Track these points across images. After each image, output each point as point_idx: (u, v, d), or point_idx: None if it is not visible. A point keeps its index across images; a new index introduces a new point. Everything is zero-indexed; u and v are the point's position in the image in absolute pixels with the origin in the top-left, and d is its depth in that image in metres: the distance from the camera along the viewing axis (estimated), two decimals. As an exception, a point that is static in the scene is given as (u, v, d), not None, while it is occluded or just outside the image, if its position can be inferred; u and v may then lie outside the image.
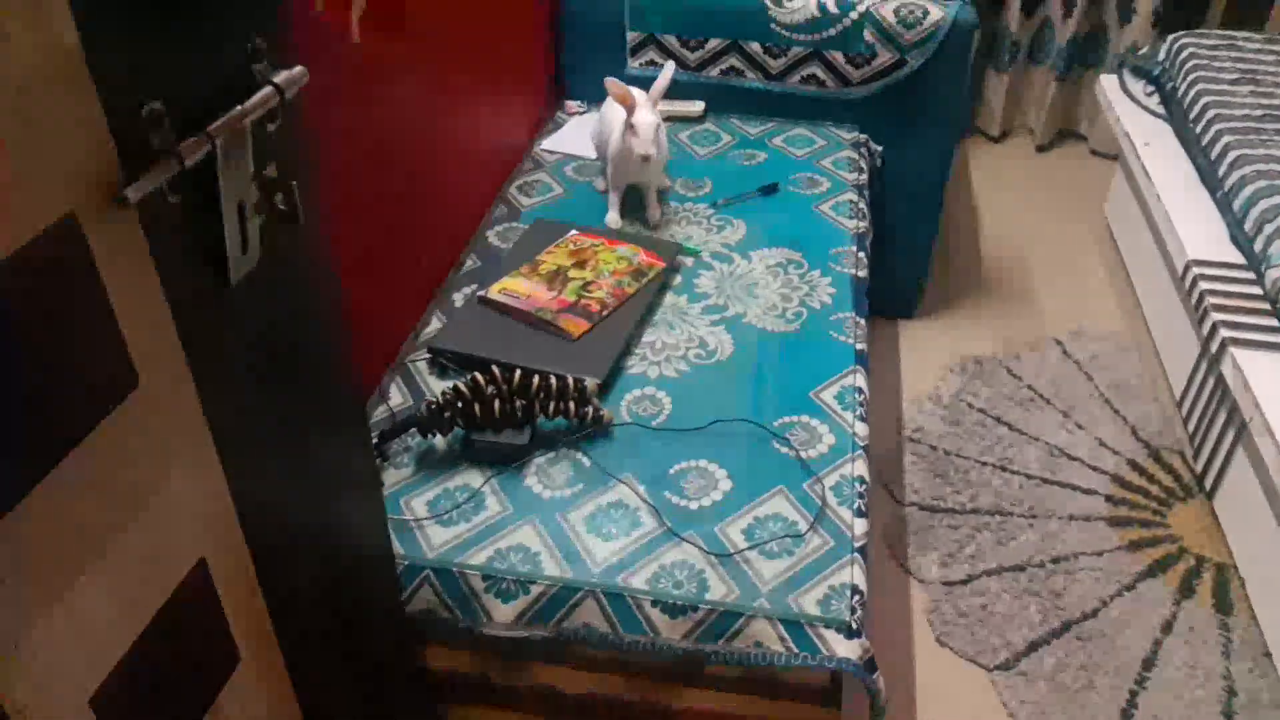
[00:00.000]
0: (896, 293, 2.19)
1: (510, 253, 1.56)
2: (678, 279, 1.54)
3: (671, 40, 1.94)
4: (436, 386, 1.33)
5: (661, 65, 1.89)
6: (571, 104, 2.04)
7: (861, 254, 1.62)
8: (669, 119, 1.97)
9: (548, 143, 1.90)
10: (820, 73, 1.92)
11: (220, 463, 0.70)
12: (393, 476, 1.19)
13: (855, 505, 1.16)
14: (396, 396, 1.31)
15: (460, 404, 1.19)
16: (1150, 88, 2.30)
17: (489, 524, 1.14)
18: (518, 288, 1.43)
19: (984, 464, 1.84)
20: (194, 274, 0.66)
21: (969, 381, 2.03)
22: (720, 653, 1.04)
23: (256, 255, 0.70)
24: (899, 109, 1.94)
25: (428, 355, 1.36)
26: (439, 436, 1.21)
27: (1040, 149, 2.91)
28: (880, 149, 1.97)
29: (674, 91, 1.94)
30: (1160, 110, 2.23)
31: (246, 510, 0.73)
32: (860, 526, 1.14)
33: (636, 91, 1.59)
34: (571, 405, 1.21)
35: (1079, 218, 2.59)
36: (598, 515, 1.14)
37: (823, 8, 1.86)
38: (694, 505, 1.16)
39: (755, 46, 1.92)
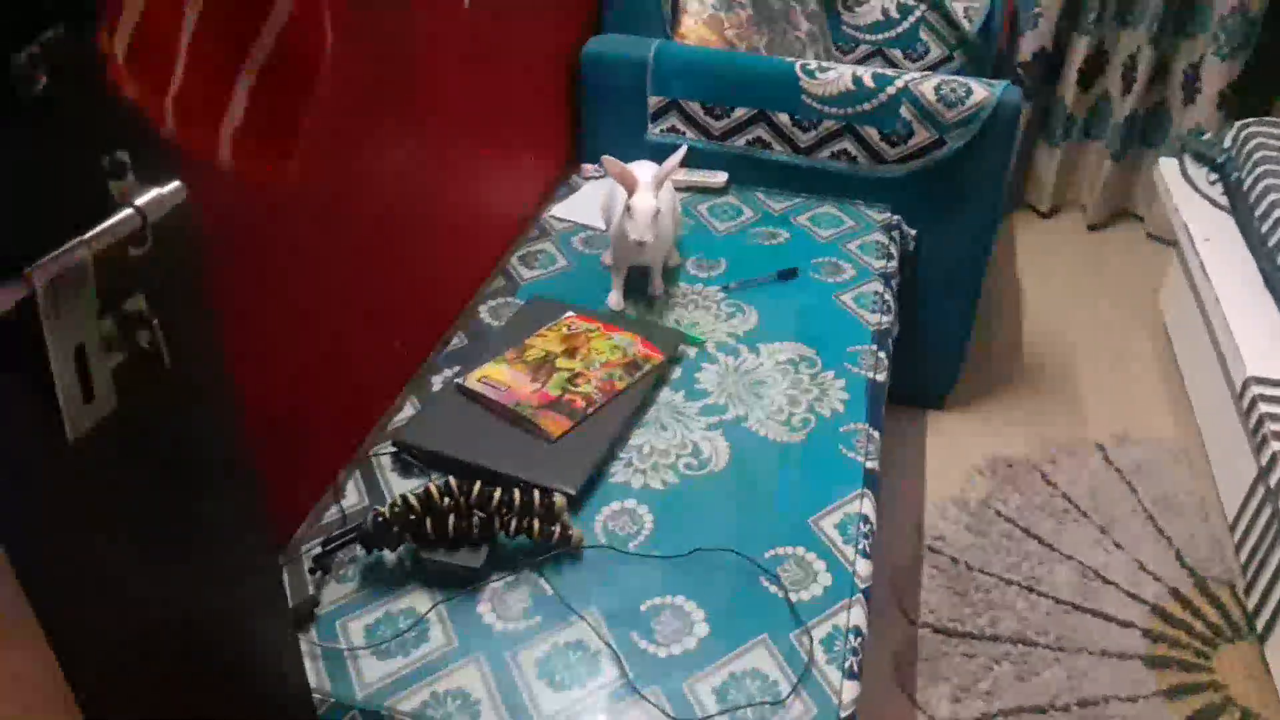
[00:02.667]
0: (927, 383, 2.05)
1: (500, 333, 1.45)
2: (677, 371, 1.41)
3: (695, 107, 1.83)
4: (399, 486, 1.21)
5: (683, 134, 1.79)
6: (588, 168, 1.93)
7: (882, 354, 1.48)
8: (688, 189, 1.85)
9: (558, 209, 1.80)
10: (852, 149, 1.80)
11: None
12: (333, 593, 1.08)
13: (846, 664, 1.02)
14: (353, 496, 1.20)
15: (411, 517, 1.07)
16: (1214, 176, 2.14)
17: (429, 660, 1.01)
18: (499, 376, 1.32)
19: (1009, 583, 1.68)
20: (23, 429, 0.55)
21: (999, 486, 1.87)
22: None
23: (111, 402, 0.59)
24: (936, 191, 1.81)
25: (393, 449, 1.25)
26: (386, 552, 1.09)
27: (1092, 228, 2.75)
28: (914, 232, 1.83)
29: (696, 161, 1.83)
30: (1224, 201, 2.07)
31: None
32: (850, 691, 1.00)
33: (642, 170, 1.47)
34: (536, 523, 1.09)
35: (1131, 307, 2.42)
36: (553, 657, 1.01)
37: (858, 81, 1.74)
38: (663, 653, 1.02)
39: (784, 118, 1.80)
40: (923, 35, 2.33)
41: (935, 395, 2.08)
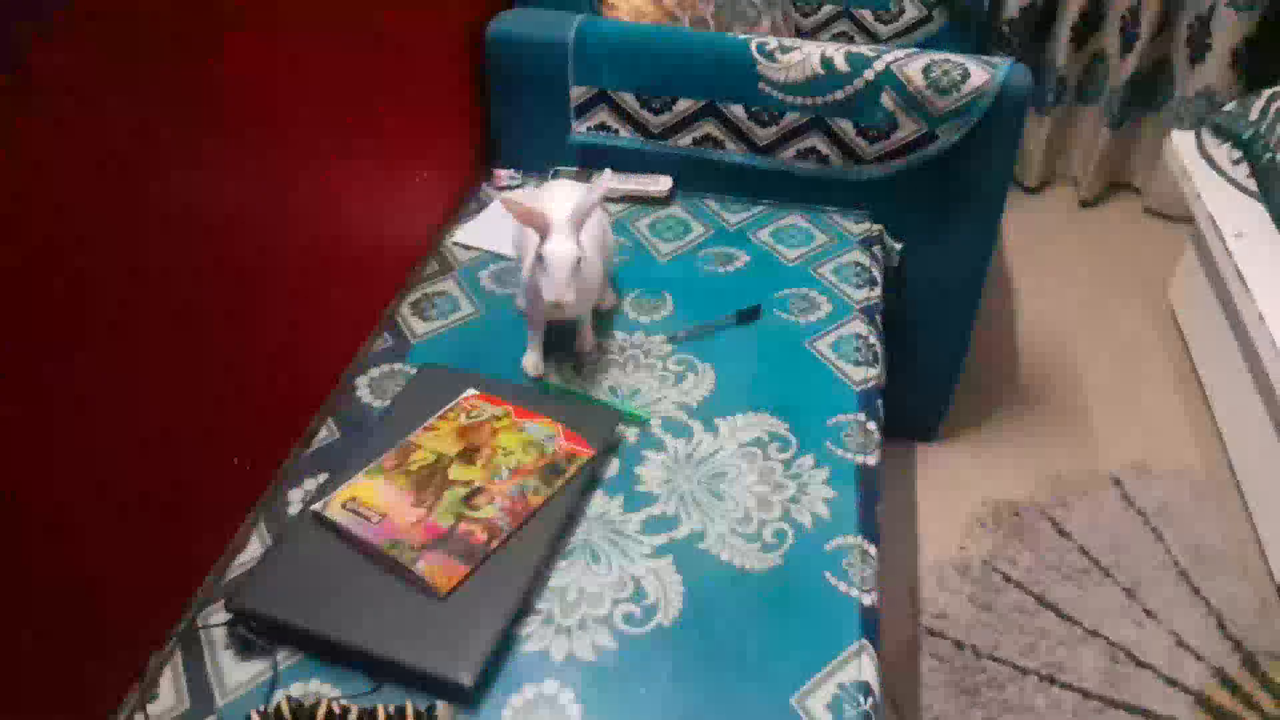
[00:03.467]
0: (917, 413, 1.75)
1: (379, 421, 1.11)
2: (613, 466, 1.09)
3: (629, 99, 1.48)
4: (234, 674, 0.88)
5: (615, 131, 1.46)
6: (502, 174, 1.57)
7: (872, 425, 1.17)
8: (624, 200, 1.51)
9: (462, 233, 1.44)
10: (822, 146, 1.46)
11: None
12: None
13: None
14: (168, 694, 0.87)
15: (230, 758, 0.74)
16: (1237, 154, 1.83)
17: None
18: (371, 498, 0.99)
19: (1025, 672, 1.40)
20: None
21: (1005, 541, 1.58)
22: None
23: None
24: (925, 195, 1.48)
25: (227, 619, 0.91)
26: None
27: (1085, 204, 2.45)
28: (899, 246, 1.51)
29: (634, 165, 1.50)
30: (1251, 185, 1.77)
31: None
32: None
33: (558, 200, 1.13)
34: (412, 753, 0.77)
35: (1136, 300, 2.13)
36: None
37: (828, 63, 1.40)
38: None
39: (738, 110, 1.45)
40: (896, -8, 1.99)
41: (927, 426, 1.78)
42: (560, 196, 1.16)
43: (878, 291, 1.38)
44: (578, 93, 1.49)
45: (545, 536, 0.98)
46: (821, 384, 1.21)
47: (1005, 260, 2.26)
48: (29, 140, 0.72)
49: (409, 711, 0.78)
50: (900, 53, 1.40)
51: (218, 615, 0.92)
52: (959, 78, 1.38)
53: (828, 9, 2.02)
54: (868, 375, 1.23)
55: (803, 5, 2.03)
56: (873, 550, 1.02)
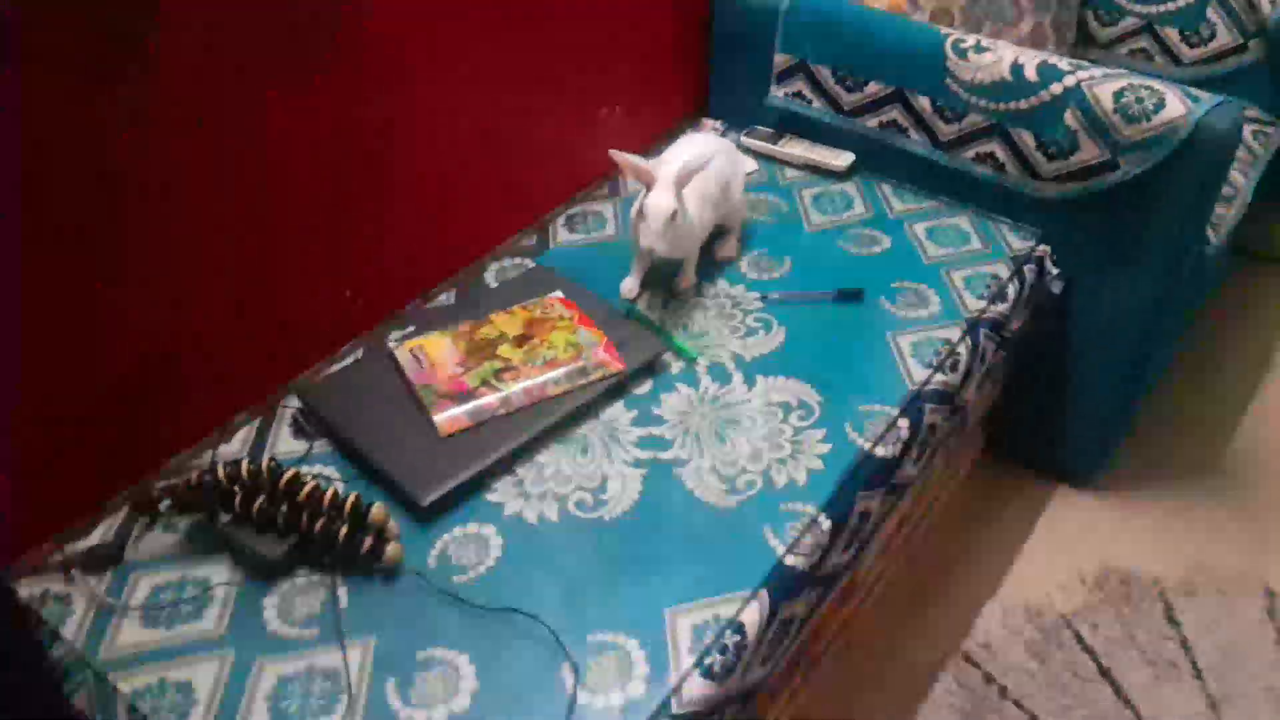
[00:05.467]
0: (1069, 455, 1.66)
1: (485, 298, 1.33)
2: (646, 384, 1.22)
3: (825, 73, 1.54)
4: (285, 446, 1.15)
5: (810, 102, 1.53)
6: (708, 123, 1.70)
7: (904, 423, 1.18)
8: (804, 167, 1.59)
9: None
10: (1000, 153, 1.43)
11: None
12: (153, 544, 1.04)
13: (586, 807, 0.83)
14: (238, 443, 1.16)
15: (230, 487, 1.00)
16: None
17: (185, 640, 0.95)
18: (433, 350, 1.20)
19: (1049, 732, 1.34)
20: None
21: (1098, 605, 1.49)
22: None
23: None
24: (1102, 226, 1.41)
25: (297, 405, 1.18)
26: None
27: None
28: (1056, 272, 1.45)
29: (821, 136, 1.57)
30: None
31: None
32: (569, 842, 0.82)
33: (674, 156, 1.26)
34: (344, 528, 0.98)
35: None
36: (293, 683, 0.92)
37: (1017, 70, 1.37)
38: (405, 713, 0.89)
39: (924, 102, 1.46)
40: (1210, 14, 1.80)
41: (1078, 471, 1.68)
42: (685, 150, 1.29)
43: (1003, 308, 1.35)
44: (780, 60, 1.57)
45: (545, 423, 1.14)
46: (877, 373, 1.24)
47: (1243, 333, 1.99)
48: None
49: (350, 498, 0.99)
50: (1098, 71, 1.34)
51: (293, 401, 1.19)
52: (1152, 107, 1.29)
53: (1130, 21, 1.88)
54: (928, 378, 1.23)
55: (1103, 12, 1.91)
56: (826, 525, 1.07)
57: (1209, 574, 1.53)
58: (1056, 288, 1.46)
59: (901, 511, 1.38)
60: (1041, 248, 1.45)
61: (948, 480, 1.59)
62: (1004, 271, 1.39)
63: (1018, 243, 1.44)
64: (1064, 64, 1.35)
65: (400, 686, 0.91)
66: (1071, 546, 1.58)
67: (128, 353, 1.05)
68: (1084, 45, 1.92)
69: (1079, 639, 1.44)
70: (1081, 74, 1.33)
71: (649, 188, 1.22)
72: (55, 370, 0.99)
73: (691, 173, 1.22)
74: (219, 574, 1.01)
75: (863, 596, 1.42)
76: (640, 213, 1.23)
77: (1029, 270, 1.41)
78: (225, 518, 1.01)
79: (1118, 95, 1.31)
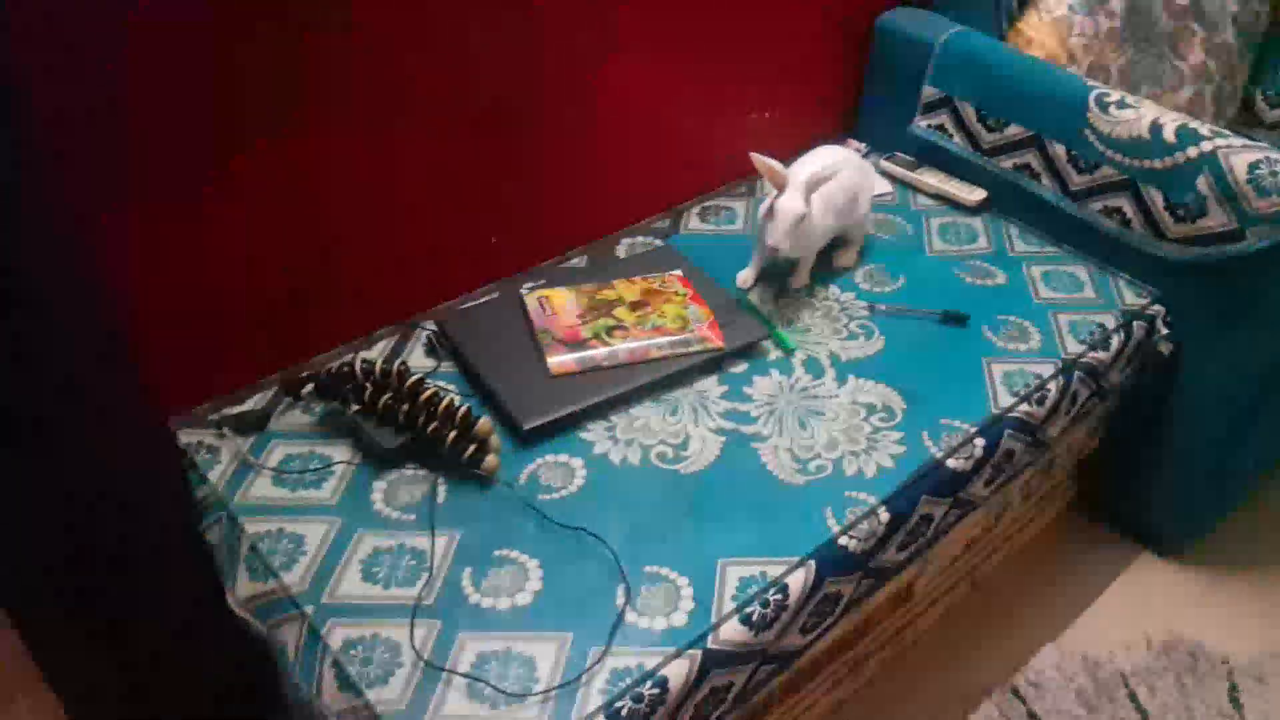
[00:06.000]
0: (1156, 517, 1.66)
1: (613, 266, 1.45)
2: (742, 365, 1.31)
3: (969, 111, 1.60)
4: (414, 361, 1.30)
5: (951, 136, 1.60)
6: (852, 142, 1.79)
7: (980, 441, 1.24)
8: (937, 198, 1.65)
9: (782, 174, 1.70)
10: (1128, 209, 1.46)
11: None
12: (293, 420, 1.21)
13: (614, 706, 0.93)
14: (377, 350, 1.31)
15: (361, 382, 1.15)
16: None
17: (305, 503, 1.10)
18: (557, 301, 1.33)
19: (1082, 775, 1.35)
20: None
21: (1159, 671, 1.49)
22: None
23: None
24: (1220, 292, 1.42)
25: (433, 328, 1.33)
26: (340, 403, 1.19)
27: None
28: (1167, 332, 1.46)
29: (957, 170, 1.64)
30: None
31: None
32: (593, 729, 0.92)
33: (807, 164, 1.35)
34: (452, 433, 1.12)
35: None
36: (388, 554, 1.05)
37: (1156, 130, 1.40)
38: (474, 599, 1.01)
39: (1060, 149, 1.51)
40: (1386, 109, 1.77)
41: (1164, 537, 1.68)
42: (817, 160, 1.38)
43: (1103, 355, 1.38)
44: (929, 92, 1.64)
45: (645, 380, 1.25)
46: (965, 393, 1.29)
47: None
48: None
49: (462, 409, 1.12)
50: (1238, 141, 1.36)
51: (429, 325, 1.34)
52: (1286, 182, 1.30)
53: (1304, 106, 1.87)
54: (1009, 405, 1.28)
55: (1272, 94, 1.90)
56: (884, 518, 1.14)
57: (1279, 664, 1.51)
58: (1166, 349, 1.48)
59: (970, 533, 1.42)
60: (1156, 307, 1.47)
61: (1029, 520, 1.62)
62: (1111, 322, 1.42)
63: (1132, 298, 1.47)
64: (1204, 129, 1.38)
65: (475, 575, 1.04)
66: (1144, 609, 1.58)
67: (296, 256, 1.21)
68: (1249, 124, 1.91)
69: (1133, 698, 1.45)
70: (1220, 141, 1.36)
71: (780, 190, 1.31)
72: (236, 266, 1.17)
73: (821, 180, 1.31)
74: (341, 454, 1.16)
75: (922, 610, 1.47)
76: (770, 212, 1.32)
77: (1138, 326, 1.44)
78: (355, 407, 1.16)
79: (1252, 166, 1.33)
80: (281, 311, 1.24)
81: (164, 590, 1.07)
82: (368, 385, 1.14)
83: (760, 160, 1.30)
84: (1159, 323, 1.46)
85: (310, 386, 1.19)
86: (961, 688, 1.46)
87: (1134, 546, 1.69)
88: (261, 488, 1.12)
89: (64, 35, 0.93)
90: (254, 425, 1.18)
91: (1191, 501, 1.62)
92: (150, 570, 1.06)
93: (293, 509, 1.10)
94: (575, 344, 1.27)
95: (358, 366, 1.14)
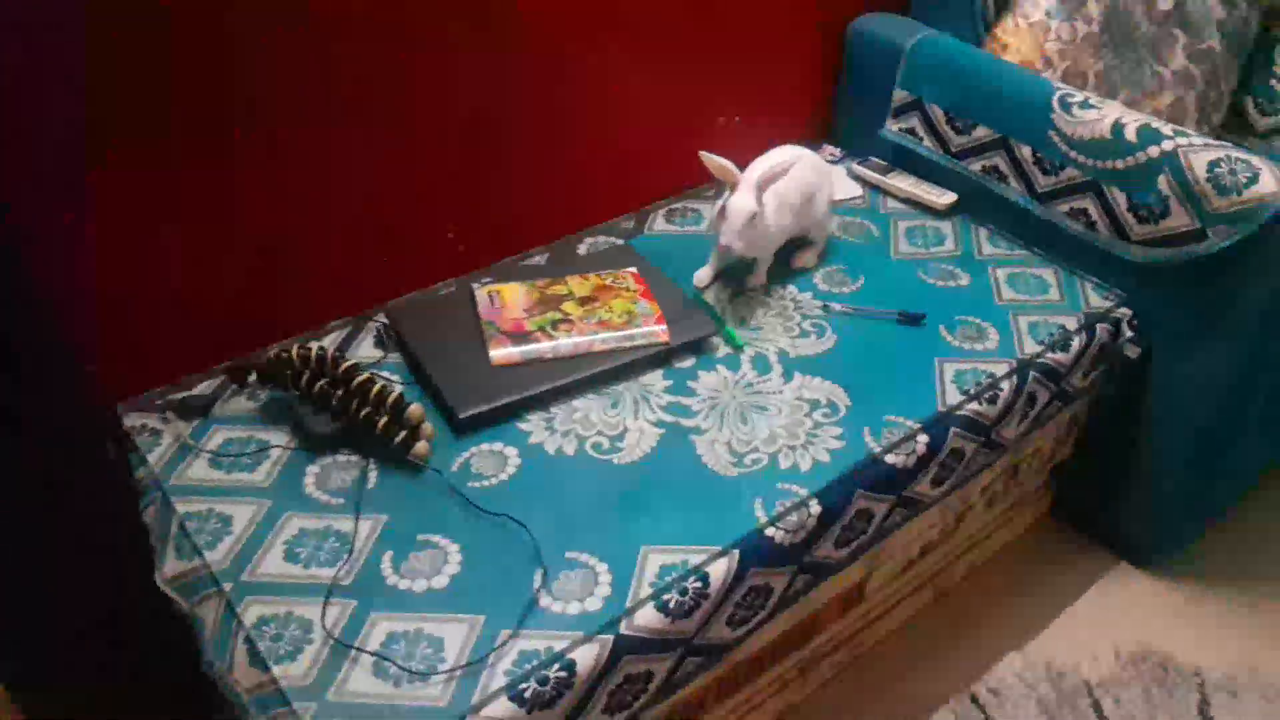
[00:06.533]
0: (1131, 527, 1.63)
1: (568, 265, 1.46)
2: (690, 361, 1.31)
3: (938, 113, 1.59)
4: (363, 351, 1.32)
5: (920, 140, 1.60)
6: (827, 148, 1.79)
7: (924, 438, 1.22)
8: (908, 202, 1.64)
9: (753, 178, 1.70)
10: (1093, 210, 1.44)
11: None
12: (236, 406, 1.22)
13: (519, 689, 0.93)
14: (326, 341, 1.33)
15: (299, 369, 1.17)
16: None
17: (236, 485, 1.12)
18: (507, 295, 1.34)
19: (1038, 786, 1.32)
20: None
21: (1126, 682, 1.45)
22: None
23: None
24: (1187, 295, 1.40)
25: (383, 321, 1.35)
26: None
27: None
28: (1133, 335, 1.43)
29: (929, 174, 1.63)
30: None
31: None
32: (500, 712, 0.91)
33: (762, 163, 1.35)
34: (384, 419, 1.13)
35: None
36: (312, 535, 1.06)
37: (1118, 130, 1.38)
38: (392, 579, 1.02)
39: (1026, 151, 1.49)
40: (1378, 115, 1.73)
41: (1139, 548, 1.64)
42: (771, 158, 1.38)
43: (1062, 357, 1.36)
44: (899, 95, 1.64)
45: (587, 373, 1.25)
46: (912, 391, 1.28)
47: None
48: None
49: (393, 393, 1.13)
50: (1199, 140, 1.34)
51: (380, 318, 1.35)
52: (1245, 180, 1.28)
53: (1293, 116, 1.83)
54: (959, 404, 1.26)
55: (1264, 101, 1.86)
56: (816, 509, 1.13)
57: (1257, 678, 1.46)
58: (1133, 353, 1.45)
59: (926, 535, 1.40)
60: (1123, 310, 1.44)
61: (997, 527, 1.59)
62: (1073, 324, 1.40)
63: (1097, 300, 1.45)
64: (1166, 129, 1.36)
65: (395, 558, 1.04)
66: (1115, 620, 1.54)
67: (248, 247, 1.24)
68: (1240, 131, 1.87)
69: (1097, 708, 1.41)
70: (1180, 140, 1.34)
71: (733, 189, 1.32)
72: (187, 255, 1.19)
73: (773, 178, 1.31)
74: (279, 440, 1.18)
75: (878, 615, 1.45)
76: (722, 211, 1.32)
77: (1102, 329, 1.41)
78: (293, 393, 1.17)
79: (1212, 165, 1.30)
80: (236, 302, 1.26)
81: (95, 569, 1.10)
82: (305, 372, 1.16)
83: (710, 159, 1.31)
84: (1124, 326, 1.44)
85: (254, 375, 1.21)
86: (920, 695, 1.43)
87: (1111, 557, 1.65)
88: (198, 470, 1.14)
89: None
90: (198, 410, 1.20)
91: (1167, 512, 1.58)
92: (85, 548, 1.09)
93: (225, 490, 1.11)
94: (519, 336, 1.27)
95: (295, 353, 1.16)
